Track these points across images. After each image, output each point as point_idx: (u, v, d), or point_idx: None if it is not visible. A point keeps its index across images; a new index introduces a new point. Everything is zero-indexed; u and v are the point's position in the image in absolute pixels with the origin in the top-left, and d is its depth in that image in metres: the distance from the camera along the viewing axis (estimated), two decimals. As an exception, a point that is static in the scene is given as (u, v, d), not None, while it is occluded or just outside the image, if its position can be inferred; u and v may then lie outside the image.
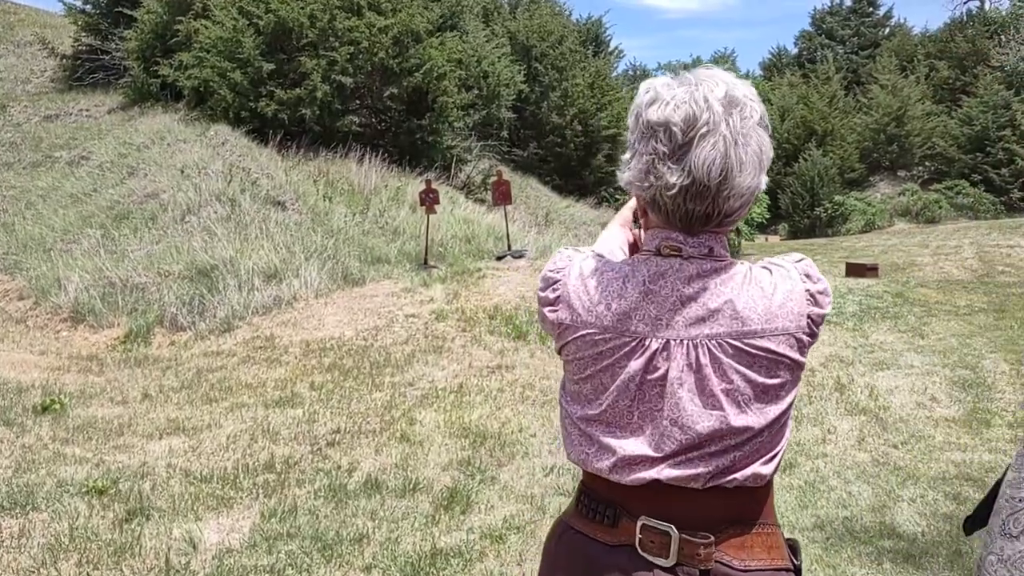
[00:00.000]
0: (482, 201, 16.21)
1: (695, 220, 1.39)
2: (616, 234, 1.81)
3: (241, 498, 4.53)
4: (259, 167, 12.50)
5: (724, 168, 1.34)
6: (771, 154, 1.41)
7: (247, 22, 14.27)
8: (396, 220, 12.33)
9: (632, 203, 1.86)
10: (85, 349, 7.96)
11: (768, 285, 1.40)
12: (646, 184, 1.39)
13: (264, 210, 10.96)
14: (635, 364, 1.40)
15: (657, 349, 1.39)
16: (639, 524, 1.42)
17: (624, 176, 1.45)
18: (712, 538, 1.39)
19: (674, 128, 1.35)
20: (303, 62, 14.21)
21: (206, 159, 12.26)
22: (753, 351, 1.37)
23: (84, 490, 4.56)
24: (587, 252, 1.55)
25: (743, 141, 1.36)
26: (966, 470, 4.87)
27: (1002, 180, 31.68)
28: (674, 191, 1.36)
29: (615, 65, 33.02)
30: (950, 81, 38.26)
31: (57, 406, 6.08)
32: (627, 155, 1.45)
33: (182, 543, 4.02)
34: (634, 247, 1.81)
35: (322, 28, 14.32)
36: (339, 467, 4.94)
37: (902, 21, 46.43)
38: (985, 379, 6.91)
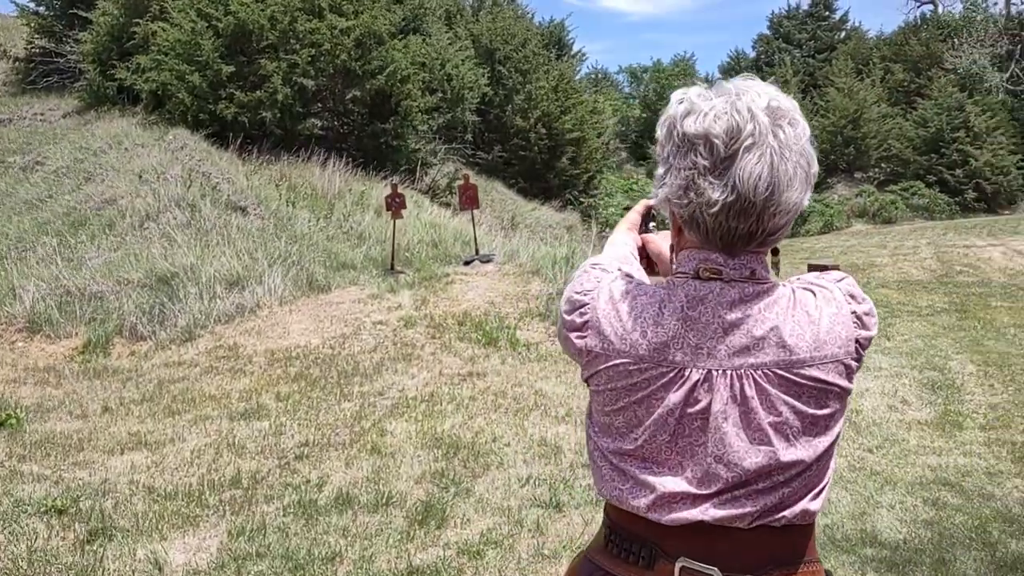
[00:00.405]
0: (448, 205, 16.09)
1: (737, 239, 1.30)
2: (626, 240, 1.71)
3: (207, 516, 4.39)
4: (219, 171, 12.27)
5: (771, 183, 1.25)
6: (817, 169, 1.32)
7: (206, 24, 14.02)
8: (361, 225, 12.17)
9: (641, 205, 1.78)
10: (42, 360, 7.71)
11: (814, 309, 1.32)
12: (685, 201, 1.29)
13: (225, 216, 10.75)
14: (674, 397, 1.31)
15: (698, 380, 1.30)
16: (678, 566, 1.33)
17: (660, 193, 1.35)
18: None
19: (715, 140, 1.26)
20: (263, 64, 14.00)
21: (165, 164, 12.00)
22: (802, 381, 1.29)
23: (43, 510, 4.38)
24: (614, 272, 1.45)
25: (790, 154, 1.27)
26: (942, 475, 4.87)
27: (956, 181, 32.30)
28: (716, 208, 1.26)
29: (578, 68, 33.08)
30: (905, 84, 38.94)
31: (13, 421, 5.87)
32: (660, 170, 1.35)
33: (147, 565, 3.87)
34: (642, 251, 1.72)
35: (283, 30, 14.12)
36: (308, 482, 4.80)
37: (857, 24, 47.20)
38: (954, 380, 6.97)
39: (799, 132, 1.29)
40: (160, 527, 4.24)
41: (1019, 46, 38.28)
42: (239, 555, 3.93)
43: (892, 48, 41.47)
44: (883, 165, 34.84)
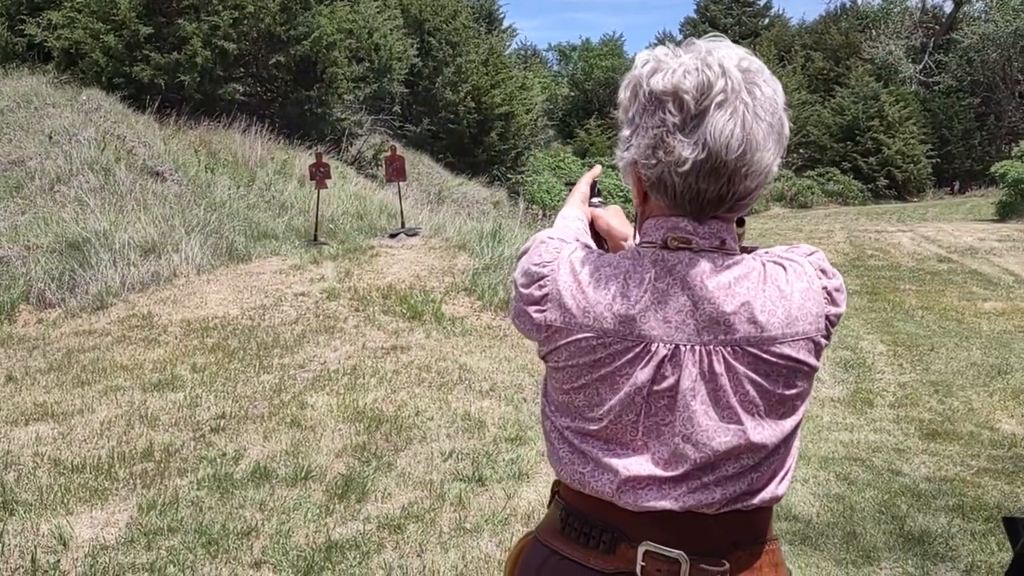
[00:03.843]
0: (373, 177, 15.87)
1: (706, 202, 1.24)
2: (579, 214, 1.63)
3: (117, 489, 4.24)
4: (135, 135, 11.82)
5: (744, 141, 1.20)
6: (788, 132, 1.27)
7: (122, -19, 13.42)
8: (283, 194, 11.90)
9: (588, 176, 1.70)
10: (-61, 327, 7.32)
11: (785, 284, 1.27)
12: (653, 161, 1.23)
13: (141, 180, 10.36)
14: (642, 374, 1.25)
15: (666, 356, 1.25)
16: (641, 550, 1.28)
17: (626, 155, 1.28)
18: (727, 565, 1.28)
19: (685, 96, 1.20)
20: (183, 26, 13.50)
21: (77, 125, 11.49)
22: (772, 359, 1.24)
23: (-62, 484, 4.17)
24: (572, 242, 1.38)
25: (764, 114, 1.22)
26: (854, 450, 5.03)
27: (869, 168, 33.38)
28: (686, 167, 1.21)
29: (508, 44, 32.92)
30: (824, 72, 39.97)
31: (-94, 390, 5.56)
32: (626, 132, 1.28)
33: (51, 540, 3.72)
34: (591, 226, 1.66)
35: (204, -10, 13.64)
36: (224, 455, 4.67)
37: (781, 12, 48.25)
38: (865, 360, 7.20)
39: (776, 93, 1.25)
40: (66, 501, 4.08)
41: (932, 39, 39.64)
42: (150, 530, 3.81)
43: (813, 36, 42.50)
44: (801, 151, 35.73)
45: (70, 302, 7.69)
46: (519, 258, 1.41)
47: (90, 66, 13.39)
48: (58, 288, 7.85)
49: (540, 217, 17.27)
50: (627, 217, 1.66)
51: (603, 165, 2.28)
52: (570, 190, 1.74)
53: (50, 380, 5.92)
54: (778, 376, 1.26)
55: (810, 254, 1.34)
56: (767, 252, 1.33)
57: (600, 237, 1.65)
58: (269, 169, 12.98)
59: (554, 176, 22.60)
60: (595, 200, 1.69)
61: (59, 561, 3.56)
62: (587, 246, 1.38)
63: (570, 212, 1.63)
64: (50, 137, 11.07)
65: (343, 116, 16.94)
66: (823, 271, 1.32)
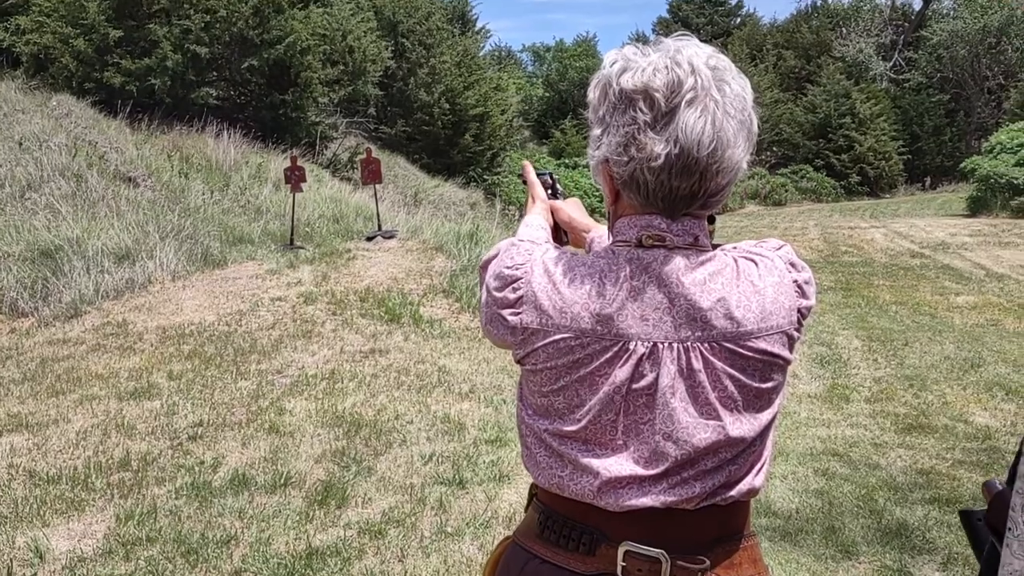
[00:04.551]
0: (349, 179, 15.80)
1: (679, 200, 1.25)
2: (541, 223, 1.63)
3: (94, 500, 4.19)
4: (107, 140, 11.71)
5: (715, 138, 1.20)
6: (757, 128, 1.28)
7: (91, -16, 13.30)
8: (259, 198, 11.83)
9: (531, 175, 1.72)
10: (-92, 339, 7.21)
11: (758, 279, 1.28)
12: (625, 158, 1.23)
13: (113, 186, 10.27)
14: (621, 373, 1.25)
15: (644, 354, 1.25)
16: (622, 550, 1.28)
17: (597, 153, 1.28)
18: (707, 562, 1.28)
19: (655, 94, 1.20)
20: (153, 30, 13.39)
21: (48, 131, 11.36)
22: (749, 354, 1.25)
23: (-90, 498, 4.10)
24: (544, 243, 1.38)
25: (733, 111, 1.23)
26: (831, 446, 5.07)
27: (842, 165, 33.68)
28: (659, 162, 1.21)
29: (482, 45, 32.90)
30: (796, 70, 40.30)
31: None
32: (596, 131, 1.28)
33: (27, 553, 3.67)
34: (555, 229, 1.66)
35: (175, -6, 13.54)
36: (202, 463, 4.64)
37: (752, 11, 48.58)
38: (840, 355, 7.26)
39: (744, 90, 1.26)
40: (42, 513, 4.03)
41: (902, 36, 40.09)
42: (128, 540, 3.77)
43: (784, 35, 42.82)
44: (775, 149, 36.01)
45: (43, 311, 7.61)
46: (484, 265, 1.40)
47: (60, 71, 13.27)
48: (31, 297, 7.76)
49: (517, 218, 17.28)
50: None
51: (540, 159, 2.30)
52: (521, 180, 1.74)
53: (24, 390, 5.85)
54: (754, 370, 1.26)
55: (779, 248, 1.35)
56: (735, 247, 1.34)
57: (560, 230, 1.66)
58: (244, 173, 12.91)
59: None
60: (559, 191, 1.71)
61: (36, 574, 3.52)
62: (558, 246, 1.39)
63: (533, 221, 1.63)
64: (20, 143, 10.94)
65: (317, 119, 16.88)
66: (792, 264, 1.33)
